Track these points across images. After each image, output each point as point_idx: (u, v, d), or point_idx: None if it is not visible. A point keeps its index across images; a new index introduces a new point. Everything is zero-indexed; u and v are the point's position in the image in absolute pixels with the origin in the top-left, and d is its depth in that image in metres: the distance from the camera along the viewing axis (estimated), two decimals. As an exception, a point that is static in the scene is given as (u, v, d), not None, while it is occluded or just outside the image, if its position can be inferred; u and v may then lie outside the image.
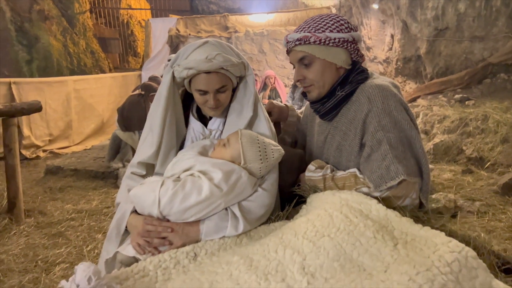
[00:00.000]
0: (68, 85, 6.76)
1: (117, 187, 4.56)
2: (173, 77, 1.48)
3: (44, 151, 6.33)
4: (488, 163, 4.63)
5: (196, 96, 1.49)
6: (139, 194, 1.33)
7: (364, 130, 1.41)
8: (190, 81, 1.48)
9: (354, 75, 1.47)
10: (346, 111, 1.48)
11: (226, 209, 1.33)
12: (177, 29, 8.36)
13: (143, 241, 1.28)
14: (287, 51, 1.55)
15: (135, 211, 1.39)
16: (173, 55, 1.56)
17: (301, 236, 1.14)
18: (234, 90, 1.57)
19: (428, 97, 6.51)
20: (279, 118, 1.86)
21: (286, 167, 1.62)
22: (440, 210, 3.40)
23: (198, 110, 1.63)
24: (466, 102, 5.85)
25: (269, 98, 6.35)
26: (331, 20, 1.44)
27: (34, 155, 6.11)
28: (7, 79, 5.89)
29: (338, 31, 1.43)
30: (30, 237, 3.20)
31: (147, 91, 4.90)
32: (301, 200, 1.51)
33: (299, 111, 1.94)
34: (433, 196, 3.68)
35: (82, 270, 1.06)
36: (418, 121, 5.98)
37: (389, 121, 1.36)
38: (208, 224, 1.30)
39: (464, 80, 6.29)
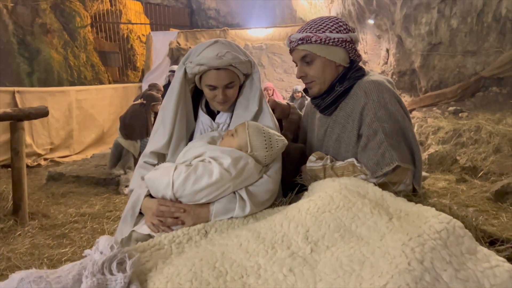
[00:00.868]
0: (70, 95, 6.89)
1: (119, 193, 4.64)
2: (185, 73, 1.60)
3: (45, 159, 6.42)
4: (481, 172, 4.75)
5: (206, 91, 1.61)
6: (154, 177, 1.44)
7: (361, 122, 1.53)
8: (200, 78, 1.60)
9: (352, 72, 1.60)
10: (345, 105, 1.60)
11: (234, 193, 1.44)
12: (178, 42, 8.55)
13: (157, 220, 1.39)
14: (290, 50, 1.68)
15: (149, 195, 1.49)
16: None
17: (304, 212, 1.24)
18: (241, 87, 1.69)
19: (423, 109, 6.68)
20: (282, 115, 1.97)
21: (289, 160, 1.73)
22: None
23: (207, 105, 1.74)
24: (460, 114, 6.01)
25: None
26: (331, 22, 1.57)
27: (35, 163, 6.20)
28: (11, 88, 6.02)
29: (337, 32, 1.56)
30: (35, 238, 3.28)
31: (149, 100, 5.03)
32: (303, 189, 1.62)
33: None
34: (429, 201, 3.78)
35: (104, 240, 1.16)
36: (413, 132, 6.14)
37: (384, 113, 1.48)
38: (217, 205, 1.40)
39: (458, 93, 6.48)
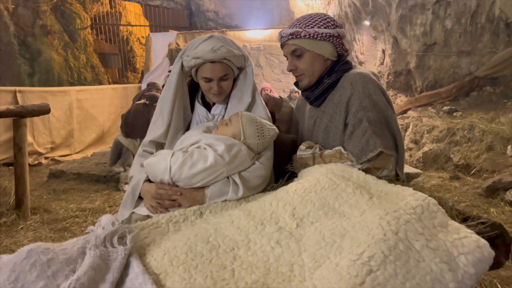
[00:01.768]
0: (70, 95, 6.99)
1: (119, 189, 4.74)
2: (182, 67, 1.70)
3: (46, 158, 6.52)
4: (474, 170, 4.85)
5: (202, 83, 1.70)
6: (152, 163, 1.54)
7: (348, 112, 1.63)
8: (196, 71, 1.69)
9: (339, 65, 1.70)
10: (332, 97, 1.70)
11: (228, 178, 1.53)
12: (177, 43, 8.66)
13: (155, 203, 1.48)
14: (281, 45, 1.77)
15: (148, 180, 1.58)
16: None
17: (292, 193, 1.34)
18: (235, 81, 1.79)
19: (418, 109, 6.77)
20: (274, 108, 2.07)
21: (281, 150, 1.83)
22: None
23: (203, 98, 1.84)
24: (454, 114, 6.11)
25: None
26: (319, 18, 1.67)
27: (36, 162, 6.29)
28: (13, 88, 6.12)
29: (325, 27, 1.66)
30: (37, 231, 3.36)
31: (152, 101, 5.13)
32: (294, 176, 1.72)
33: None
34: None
35: (106, 217, 1.26)
36: (408, 131, 6.24)
37: (368, 103, 1.58)
38: (212, 189, 1.50)
39: (452, 93, 6.57)
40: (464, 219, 1.29)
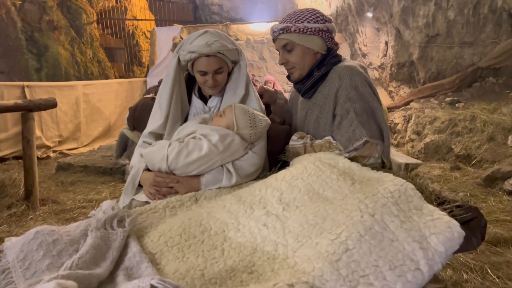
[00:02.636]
0: (77, 89, 7.12)
1: (124, 181, 4.84)
2: (179, 61, 1.79)
3: (54, 151, 6.67)
4: (475, 160, 4.90)
5: (198, 76, 1.79)
6: (150, 152, 1.63)
7: (336, 103, 1.71)
8: (192, 64, 1.78)
9: (329, 58, 1.77)
10: (322, 89, 1.78)
11: (222, 166, 1.62)
12: (181, 37, 8.73)
13: (154, 190, 1.58)
14: (273, 39, 1.85)
15: (147, 169, 1.68)
16: None
17: (280, 179, 1.43)
18: (230, 74, 1.87)
19: (420, 100, 6.80)
20: (269, 100, 2.15)
21: (275, 140, 1.91)
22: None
23: (200, 91, 1.93)
24: (456, 105, 6.14)
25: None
26: (309, 13, 1.75)
27: (44, 155, 6.44)
28: (21, 83, 6.26)
29: (314, 22, 1.73)
30: (46, 221, 3.49)
31: (160, 96, 5.22)
32: (286, 165, 1.80)
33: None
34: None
35: (107, 202, 1.36)
36: (411, 123, 6.28)
37: (355, 94, 1.65)
38: (207, 176, 1.59)
39: (455, 84, 6.59)
40: (441, 203, 1.36)
